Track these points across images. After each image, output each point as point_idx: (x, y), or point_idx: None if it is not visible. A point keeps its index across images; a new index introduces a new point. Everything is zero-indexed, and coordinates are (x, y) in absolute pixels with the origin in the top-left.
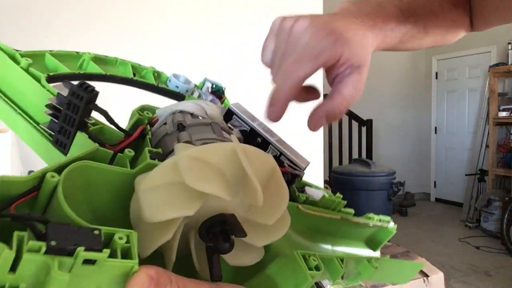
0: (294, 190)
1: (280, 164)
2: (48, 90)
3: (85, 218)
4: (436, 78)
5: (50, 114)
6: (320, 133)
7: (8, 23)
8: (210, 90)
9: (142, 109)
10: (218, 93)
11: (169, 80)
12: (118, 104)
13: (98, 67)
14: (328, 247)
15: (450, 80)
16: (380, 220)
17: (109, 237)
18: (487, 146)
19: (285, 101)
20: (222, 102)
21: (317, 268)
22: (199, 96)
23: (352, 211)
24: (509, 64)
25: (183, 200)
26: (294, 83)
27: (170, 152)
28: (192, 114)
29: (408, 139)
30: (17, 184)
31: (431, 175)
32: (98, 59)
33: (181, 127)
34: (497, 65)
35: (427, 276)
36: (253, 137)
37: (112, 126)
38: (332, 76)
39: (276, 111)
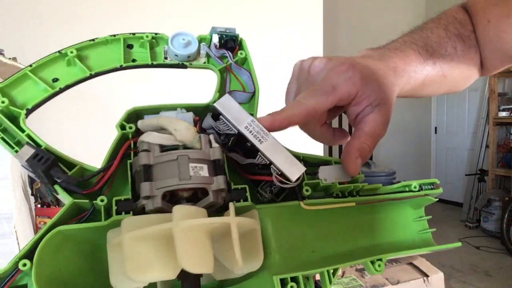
0: (302, 187)
1: (269, 173)
2: (27, 134)
3: (80, 266)
4: None
5: (28, 170)
6: None
7: (8, 24)
8: (218, 45)
9: (127, 118)
10: (230, 44)
11: (169, 47)
12: (131, 102)
13: (84, 65)
14: (352, 232)
15: None
16: (420, 187)
17: None
18: (487, 146)
19: (284, 120)
20: (235, 56)
21: None
22: (207, 56)
23: (378, 186)
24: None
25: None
26: (302, 111)
27: (138, 196)
28: (160, 146)
29: (408, 139)
30: None
31: (431, 175)
32: (85, 49)
33: (146, 169)
34: None
35: (427, 276)
36: (242, 141)
37: (90, 165)
38: (353, 116)
39: (271, 121)
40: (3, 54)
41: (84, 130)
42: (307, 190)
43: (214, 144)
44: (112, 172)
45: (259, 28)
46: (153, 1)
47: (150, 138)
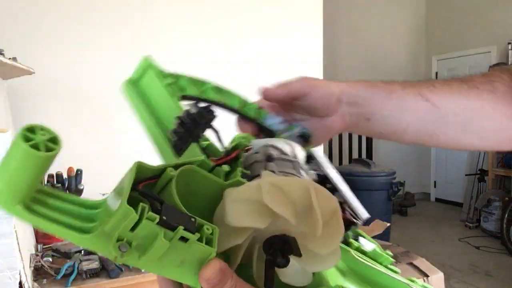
0: (349, 236)
1: (342, 209)
2: (177, 106)
3: (191, 201)
4: (436, 78)
5: (177, 124)
6: None
7: (8, 24)
8: (297, 134)
9: (242, 137)
10: (303, 137)
11: (267, 118)
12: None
13: (215, 95)
14: None
15: None
16: (423, 287)
17: (200, 226)
18: None
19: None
20: (305, 147)
21: None
22: (288, 137)
23: (398, 270)
24: (509, 64)
25: (258, 215)
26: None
27: (256, 176)
28: (280, 150)
29: None
30: (148, 170)
31: (431, 175)
32: (217, 89)
33: (269, 158)
34: (497, 65)
35: (427, 276)
36: (324, 181)
37: (216, 145)
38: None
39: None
40: (3, 54)
41: (81, 130)
42: (354, 243)
43: (312, 172)
44: (230, 158)
45: (259, 28)
46: (153, 4)
47: (278, 143)
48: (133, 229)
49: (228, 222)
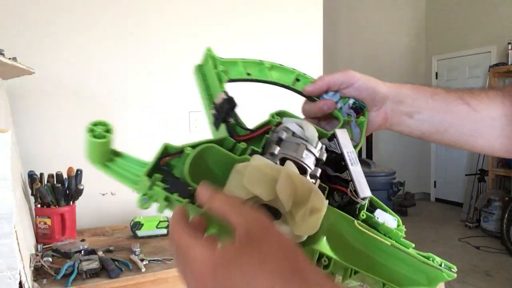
0: (363, 208)
1: (346, 186)
2: (223, 91)
3: (206, 176)
4: (436, 78)
5: (212, 108)
6: None
7: (8, 24)
8: (351, 105)
9: (278, 113)
10: (357, 109)
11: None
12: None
13: (269, 74)
14: (372, 269)
15: (450, 80)
16: (440, 265)
17: (194, 192)
18: None
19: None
20: (357, 118)
21: (325, 267)
22: (340, 109)
23: (410, 244)
24: (509, 64)
25: (244, 188)
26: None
27: (267, 153)
28: (291, 132)
29: (408, 139)
30: (172, 148)
31: (431, 175)
32: (274, 67)
33: (278, 140)
34: (497, 65)
35: None
36: (339, 159)
37: (244, 125)
38: None
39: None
40: (3, 54)
41: (80, 130)
42: (363, 215)
43: (323, 151)
44: (255, 135)
45: (259, 28)
46: (154, 4)
47: (290, 125)
48: (150, 189)
49: (225, 189)
